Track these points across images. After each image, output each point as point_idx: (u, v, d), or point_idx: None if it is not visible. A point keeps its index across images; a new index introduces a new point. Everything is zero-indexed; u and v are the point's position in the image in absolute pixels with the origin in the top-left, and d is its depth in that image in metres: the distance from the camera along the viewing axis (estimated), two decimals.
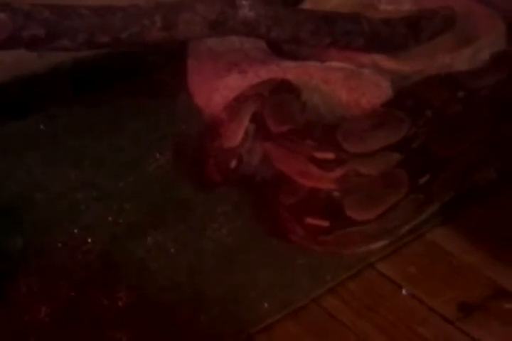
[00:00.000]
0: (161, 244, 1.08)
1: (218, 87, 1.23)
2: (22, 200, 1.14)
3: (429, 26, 1.34)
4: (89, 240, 1.08)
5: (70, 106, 1.30)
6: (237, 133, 1.12)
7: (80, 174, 1.19)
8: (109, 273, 1.04)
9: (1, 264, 1.02)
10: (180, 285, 1.02)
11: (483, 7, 1.42)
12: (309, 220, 1.04)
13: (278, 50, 1.31)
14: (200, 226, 1.11)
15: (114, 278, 1.03)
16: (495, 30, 1.37)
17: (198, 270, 1.04)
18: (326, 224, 1.04)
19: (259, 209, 1.12)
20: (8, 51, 1.01)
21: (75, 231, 1.09)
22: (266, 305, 0.99)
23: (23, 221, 1.11)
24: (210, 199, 1.15)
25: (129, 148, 1.23)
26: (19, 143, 1.25)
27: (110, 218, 1.11)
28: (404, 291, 1.04)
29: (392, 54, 1.28)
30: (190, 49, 1.31)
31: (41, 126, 1.28)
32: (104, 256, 1.06)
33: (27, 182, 1.17)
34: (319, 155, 1.05)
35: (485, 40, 1.33)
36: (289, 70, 1.21)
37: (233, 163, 1.11)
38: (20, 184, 1.17)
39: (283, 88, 1.14)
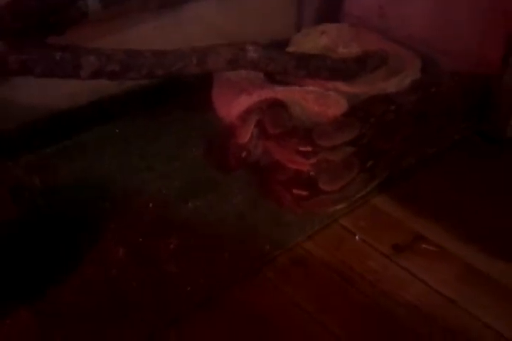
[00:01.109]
0: (197, 207, 1.06)
1: (233, 104, 1.20)
2: (107, 179, 1.12)
3: (371, 63, 1.31)
4: (151, 205, 1.05)
5: (136, 117, 1.27)
6: (246, 134, 1.10)
7: (144, 162, 1.17)
8: (164, 226, 1.01)
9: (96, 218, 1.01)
10: (210, 233, 1.00)
11: (405, 49, 1.38)
12: (295, 191, 1.03)
13: (272, 79, 1.28)
14: (223, 196, 1.09)
15: (168, 228, 1.01)
16: (414, 65, 1.34)
17: (223, 223, 1.03)
18: (305, 193, 1.02)
19: (262, 184, 1.11)
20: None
21: (142, 198, 1.07)
22: (267, 246, 0.98)
23: (109, 191, 1.09)
24: (229, 178, 1.13)
25: (176, 145, 1.21)
26: (103, 143, 1.22)
27: (164, 191, 1.09)
28: (357, 237, 1.02)
29: (347, 81, 1.25)
30: (215, 78, 1.28)
31: (116, 131, 1.25)
32: (161, 215, 1.03)
33: (108, 166, 1.15)
34: (301, 148, 1.03)
35: (407, 71, 1.31)
36: (279, 92, 1.19)
37: (244, 154, 1.09)
38: (105, 168, 1.14)
39: (276, 104, 1.12)
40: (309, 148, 1.03)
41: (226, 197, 1.08)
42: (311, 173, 1.04)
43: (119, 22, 1.18)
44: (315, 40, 1.44)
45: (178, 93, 1.28)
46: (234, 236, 1.00)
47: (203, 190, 1.09)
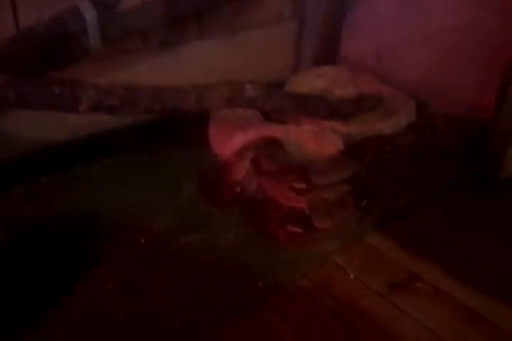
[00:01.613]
0: (190, 243, 1.04)
1: (229, 141, 1.21)
2: (100, 212, 1.10)
3: (367, 104, 1.33)
4: (142, 240, 1.04)
5: (133, 152, 1.26)
6: (241, 170, 1.11)
7: (138, 196, 1.16)
8: (155, 260, 1.00)
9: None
10: (203, 269, 0.99)
11: (400, 92, 1.41)
12: (289, 227, 1.02)
13: (268, 117, 1.29)
14: (216, 231, 1.07)
15: (159, 263, 1.00)
16: (408, 107, 1.36)
17: (216, 259, 1.01)
18: (299, 230, 1.02)
19: (255, 220, 1.09)
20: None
21: (134, 232, 1.06)
22: (260, 283, 0.97)
23: (102, 224, 1.08)
24: (223, 214, 1.12)
25: (171, 179, 1.20)
26: (98, 176, 1.21)
27: (157, 226, 1.08)
28: (351, 276, 1.00)
29: (343, 121, 1.26)
30: (212, 116, 1.30)
31: (112, 165, 1.24)
32: (152, 250, 1.02)
33: (103, 200, 1.14)
34: (296, 185, 1.03)
35: (403, 113, 1.33)
36: (275, 131, 1.20)
37: (238, 190, 1.10)
38: (98, 201, 1.13)
39: (272, 142, 1.13)
40: (304, 186, 1.03)
41: (219, 233, 1.06)
42: (306, 210, 1.03)
43: (119, 59, 1.19)
44: (312, 82, 1.46)
45: (175, 129, 1.28)
46: (226, 273, 0.98)
47: (196, 225, 1.08)
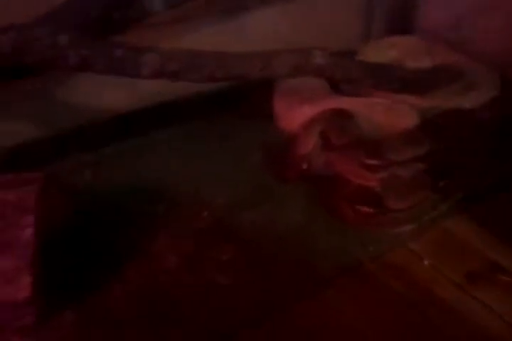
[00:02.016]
0: (254, 218, 0.98)
1: (296, 114, 1.12)
2: (162, 184, 1.06)
3: (446, 76, 1.22)
4: (205, 213, 0.99)
5: (195, 123, 1.21)
6: (308, 144, 1.02)
7: (200, 169, 1.10)
8: (218, 235, 0.95)
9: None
10: (266, 247, 0.92)
11: (482, 64, 1.28)
12: (358, 207, 0.94)
13: (337, 89, 1.20)
14: (282, 208, 1.01)
15: (222, 239, 0.94)
16: (492, 80, 1.24)
17: (281, 237, 0.95)
18: (370, 210, 0.93)
19: (322, 197, 1.02)
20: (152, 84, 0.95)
21: (196, 206, 1.01)
22: (328, 265, 0.90)
23: (163, 196, 1.03)
24: (288, 189, 1.05)
25: (235, 152, 1.14)
26: (160, 147, 1.16)
27: (220, 199, 1.02)
28: (425, 262, 0.92)
29: (419, 95, 1.15)
30: (277, 87, 1.21)
31: (175, 136, 1.19)
32: (215, 224, 0.97)
33: (165, 172, 1.09)
34: (368, 161, 0.94)
35: (485, 87, 1.21)
36: (345, 103, 1.10)
37: (305, 165, 1.02)
38: (160, 173, 1.09)
39: (342, 114, 1.04)
40: (377, 162, 0.94)
41: (285, 210, 1.00)
42: (378, 189, 0.94)
43: (180, 26, 1.13)
44: (383, 52, 1.34)
45: (238, 101, 1.21)
46: (292, 252, 0.91)
47: (261, 200, 1.02)
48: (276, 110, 1.19)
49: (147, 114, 1.17)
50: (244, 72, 0.95)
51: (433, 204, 0.96)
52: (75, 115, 1.11)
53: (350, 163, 0.97)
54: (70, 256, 0.88)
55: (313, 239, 0.94)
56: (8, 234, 0.78)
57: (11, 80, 0.97)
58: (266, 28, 1.25)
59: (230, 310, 0.82)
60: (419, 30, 1.46)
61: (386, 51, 1.35)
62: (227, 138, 1.17)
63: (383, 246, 0.93)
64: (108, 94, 1.11)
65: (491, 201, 1.01)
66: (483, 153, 1.01)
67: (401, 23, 1.48)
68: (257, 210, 0.99)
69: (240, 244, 0.92)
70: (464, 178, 0.99)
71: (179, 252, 0.91)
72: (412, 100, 1.13)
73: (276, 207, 1.00)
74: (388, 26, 1.47)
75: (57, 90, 1.10)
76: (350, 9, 1.42)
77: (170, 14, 1.07)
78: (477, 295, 0.86)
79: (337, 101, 1.12)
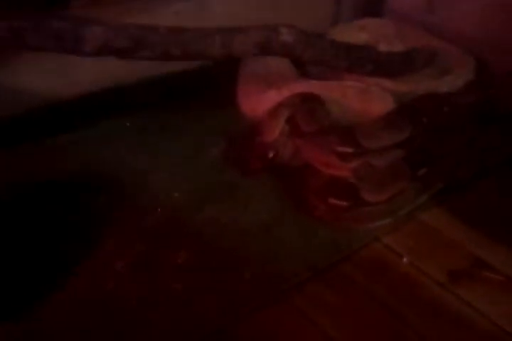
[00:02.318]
0: (214, 216, 0.88)
1: (261, 100, 1.04)
2: (112, 178, 0.94)
3: (419, 59, 1.13)
4: (159, 210, 0.87)
5: (150, 111, 1.09)
6: (274, 131, 0.93)
7: (156, 161, 0.98)
8: (173, 235, 0.83)
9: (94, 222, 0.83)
10: (227, 248, 0.82)
11: (456, 47, 1.21)
12: (331, 200, 0.84)
13: (305, 72, 1.11)
14: (244, 203, 0.91)
15: (178, 239, 0.82)
16: (466, 64, 1.17)
17: (244, 236, 0.84)
18: (344, 203, 0.83)
19: (290, 191, 0.92)
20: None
21: (150, 202, 0.89)
22: (296, 266, 0.79)
23: (113, 192, 0.91)
24: (252, 182, 0.94)
25: (193, 143, 1.03)
26: (111, 137, 1.04)
27: (176, 194, 0.91)
28: (404, 259, 0.83)
29: (392, 78, 1.07)
30: (240, 70, 1.13)
31: (128, 124, 1.08)
32: (171, 223, 0.85)
33: (114, 163, 0.97)
34: (340, 149, 0.85)
35: (460, 71, 1.14)
36: (315, 87, 1.02)
37: (271, 154, 0.92)
38: (109, 165, 0.96)
39: (311, 99, 0.94)
40: (350, 149, 0.85)
41: (248, 206, 0.90)
42: (352, 180, 0.85)
43: (141, 4, 1.02)
44: (353, 35, 1.26)
45: (198, 86, 1.11)
46: (256, 253, 0.81)
47: (222, 195, 0.91)
48: (239, 95, 1.10)
49: (93, 103, 1.04)
50: (203, 50, 0.84)
51: (411, 195, 0.87)
52: (10, 104, 0.98)
53: (320, 152, 0.87)
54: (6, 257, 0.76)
55: (280, 237, 0.84)
56: None
57: None
58: (230, 8, 1.15)
59: (187, 319, 0.72)
60: (389, 13, 1.38)
61: (356, 34, 1.27)
62: (185, 127, 1.06)
63: (357, 244, 0.84)
64: (46, 81, 1.00)
65: (471, 191, 0.93)
66: (462, 139, 0.93)
67: (371, 5, 1.40)
68: (217, 207, 0.88)
69: (197, 245, 0.81)
70: (443, 167, 0.90)
71: (129, 254, 0.79)
72: (385, 84, 1.06)
73: (239, 202, 0.90)
74: (357, 8, 1.38)
75: None
76: None
77: None
78: (461, 294, 0.78)
79: (306, 85, 1.04)
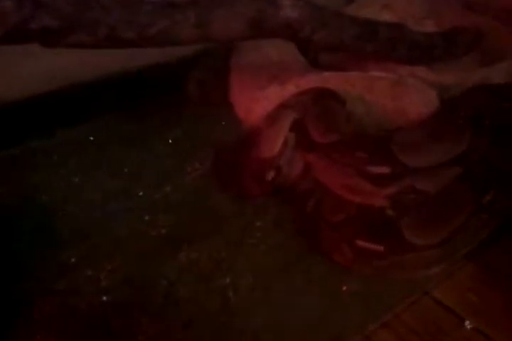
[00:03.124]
0: (194, 262, 0.63)
1: (258, 98, 0.81)
2: (54, 211, 0.70)
3: (462, 42, 0.88)
4: (117, 257, 0.62)
5: (114, 116, 0.85)
6: (274, 143, 0.68)
7: (117, 184, 0.75)
8: (133, 301, 0.57)
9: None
10: (210, 317, 0.56)
11: (506, 26, 0.96)
12: (360, 242, 0.58)
13: (316, 62, 0.87)
14: (236, 242, 0.66)
15: (138, 307, 0.57)
16: None
17: (232, 296, 0.58)
18: (380, 248, 0.57)
19: (300, 225, 0.67)
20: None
21: (103, 245, 0.64)
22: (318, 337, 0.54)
23: (52, 233, 0.67)
24: (247, 212, 0.70)
25: (170, 157, 0.79)
26: (62, 152, 0.80)
27: (142, 230, 0.66)
28: (467, 324, 0.57)
29: (430, 66, 0.82)
30: (233, 62, 0.90)
31: (89, 137, 0.83)
32: (130, 279, 0.60)
33: (62, 191, 0.74)
34: (373, 169, 0.58)
35: None
36: (329, 80, 0.79)
37: (270, 174, 0.68)
38: (56, 193, 0.73)
39: (326, 96, 0.69)
40: (386, 169, 0.59)
41: (239, 246, 0.65)
42: (389, 212, 0.59)
43: None
44: (374, 14, 1.01)
45: (175, 82, 0.85)
46: (245, 330, 0.55)
47: (204, 231, 0.67)
48: (231, 93, 0.86)
49: (40, 107, 0.81)
50: (169, 31, 0.58)
51: (474, 230, 0.60)
52: None
53: (342, 172, 0.61)
54: None
55: (284, 301, 0.58)
56: None
57: None
58: None
59: None
60: None
61: (377, 14, 1.02)
62: (158, 135, 0.81)
63: (399, 302, 0.58)
64: None
65: None
66: None
67: None
68: (198, 249, 0.63)
69: (164, 317, 0.56)
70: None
71: (66, 332, 0.54)
72: (424, 74, 0.82)
73: (228, 243, 0.65)
74: None
75: None
76: None
77: None
78: None
79: (318, 78, 0.79)
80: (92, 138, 0.82)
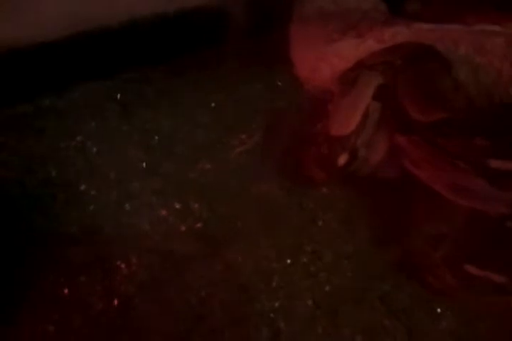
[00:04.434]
0: (234, 271, 0.47)
1: (327, 55, 0.63)
2: (71, 188, 0.56)
3: None
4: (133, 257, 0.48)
5: (146, 70, 0.69)
6: (350, 116, 0.52)
7: (145, 158, 0.60)
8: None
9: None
10: None
11: None
12: (470, 268, 0.40)
13: (402, 10, 0.67)
14: (290, 247, 0.51)
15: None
16: None
17: (283, 328, 0.43)
18: (501, 279, 0.40)
19: (379, 227, 0.50)
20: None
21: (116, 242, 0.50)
22: None
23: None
24: (307, 206, 0.53)
25: (209, 126, 0.63)
26: (78, 113, 0.65)
27: (164, 226, 0.52)
28: None
29: None
30: (296, 10, 0.71)
31: (112, 95, 0.67)
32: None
33: (74, 165, 0.58)
34: (496, 163, 0.41)
35: None
36: (423, 34, 0.61)
37: (343, 158, 0.52)
38: (67, 168, 0.57)
39: (424, 56, 0.50)
40: None
41: (295, 253, 0.52)
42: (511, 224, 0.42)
43: None
44: None
45: (219, 32, 0.69)
46: None
47: (248, 230, 0.54)
48: (292, 51, 0.68)
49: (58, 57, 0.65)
50: None
51: None
52: None
53: (449, 163, 0.43)
54: None
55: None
56: None
57: None
58: None
59: None
60: None
61: None
62: (204, 100, 0.65)
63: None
64: None
65: None
66: None
67: None
68: (239, 254, 0.48)
69: None
70: None
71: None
72: None
73: (279, 248, 0.51)
74: None
75: None
76: None
77: None
78: None
79: (409, 30, 0.61)
80: (116, 96, 0.68)
